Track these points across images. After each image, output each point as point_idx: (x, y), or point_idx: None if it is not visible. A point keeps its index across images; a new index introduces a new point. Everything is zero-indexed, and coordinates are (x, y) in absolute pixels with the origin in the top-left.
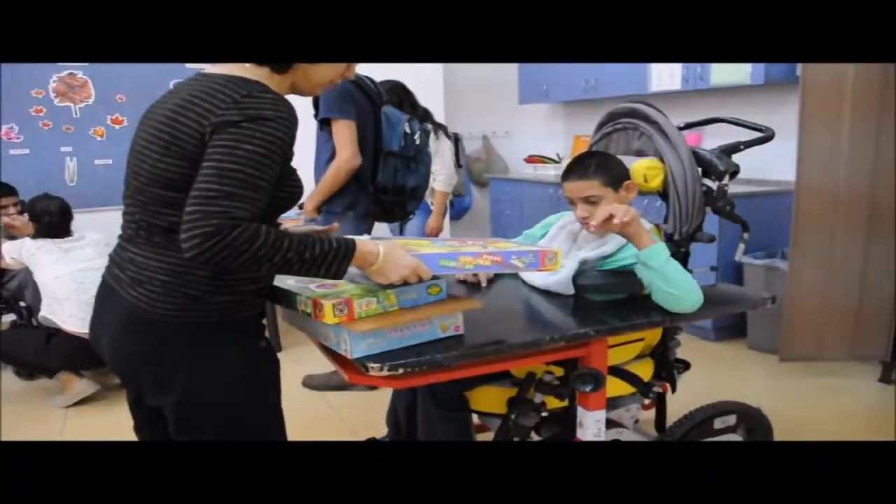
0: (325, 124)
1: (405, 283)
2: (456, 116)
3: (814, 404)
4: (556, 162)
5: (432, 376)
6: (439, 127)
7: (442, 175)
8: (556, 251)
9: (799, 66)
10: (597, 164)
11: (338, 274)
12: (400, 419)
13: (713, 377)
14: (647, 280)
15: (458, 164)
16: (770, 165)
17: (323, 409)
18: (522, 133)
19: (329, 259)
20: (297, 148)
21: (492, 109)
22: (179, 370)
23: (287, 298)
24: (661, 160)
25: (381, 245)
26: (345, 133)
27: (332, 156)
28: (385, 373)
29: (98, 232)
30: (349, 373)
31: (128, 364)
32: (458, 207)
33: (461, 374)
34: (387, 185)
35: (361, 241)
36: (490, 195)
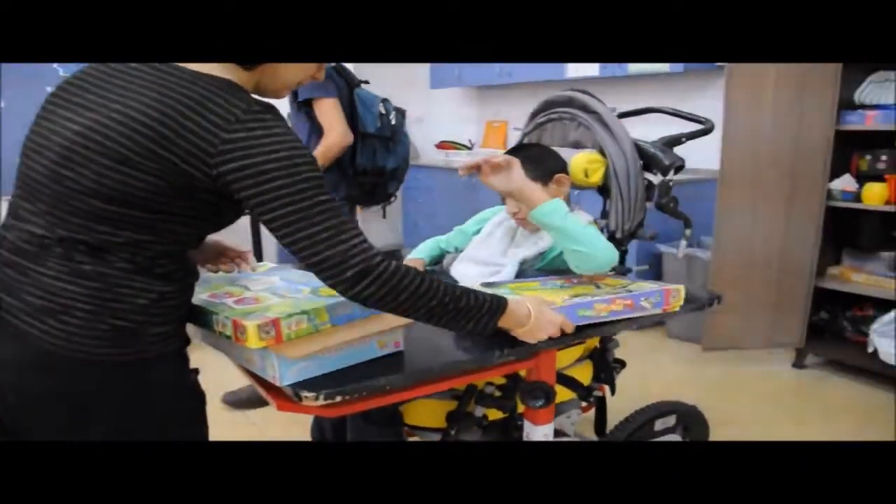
0: (304, 106)
1: None
2: None
3: (736, 392)
4: (469, 148)
5: (373, 401)
6: None
7: None
8: (680, 288)
9: None
10: (525, 157)
11: (486, 329)
12: (326, 434)
13: (637, 369)
14: (554, 241)
15: None
16: (689, 154)
17: (235, 419)
18: (434, 118)
19: (483, 311)
20: None
21: (402, 93)
22: (100, 415)
23: (201, 316)
24: (602, 153)
25: (529, 304)
26: (332, 111)
27: (310, 137)
28: (321, 402)
29: None
30: (278, 400)
31: (32, 412)
32: None
33: (404, 397)
34: (366, 167)
35: (513, 299)
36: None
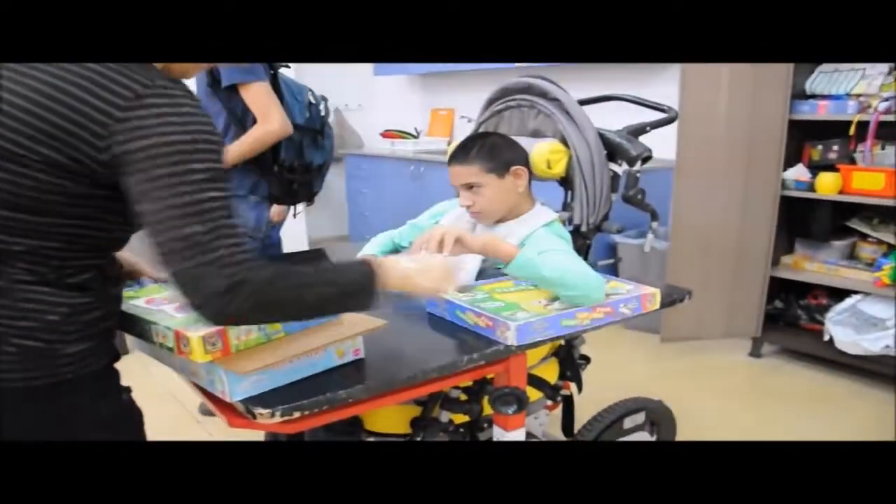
0: (223, 91)
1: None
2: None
3: (695, 383)
4: (415, 136)
5: (334, 414)
6: None
7: None
8: (656, 292)
9: None
10: (479, 148)
11: (374, 302)
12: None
13: (597, 362)
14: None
15: None
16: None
17: (189, 425)
18: (377, 106)
19: (364, 282)
20: None
21: (344, 81)
22: None
23: (136, 325)
24: (564, 142)
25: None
26: (267, 96)
27: (228, 128)
28: (278, 419)
29: None
30: (229, 416)
31: None
32: None
33: (367, 408)
34: (292, 162)
35: (378, 259)
36: (345, 172)
